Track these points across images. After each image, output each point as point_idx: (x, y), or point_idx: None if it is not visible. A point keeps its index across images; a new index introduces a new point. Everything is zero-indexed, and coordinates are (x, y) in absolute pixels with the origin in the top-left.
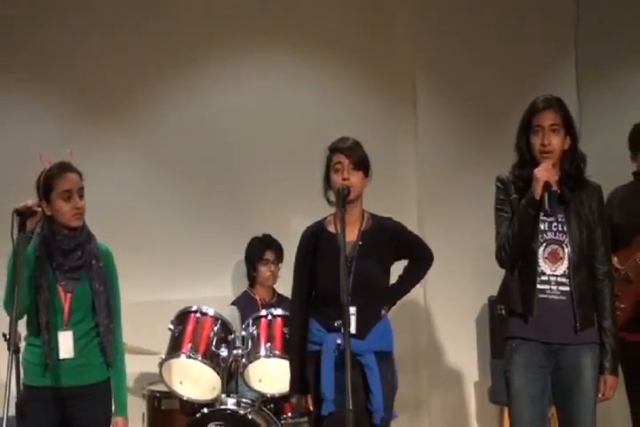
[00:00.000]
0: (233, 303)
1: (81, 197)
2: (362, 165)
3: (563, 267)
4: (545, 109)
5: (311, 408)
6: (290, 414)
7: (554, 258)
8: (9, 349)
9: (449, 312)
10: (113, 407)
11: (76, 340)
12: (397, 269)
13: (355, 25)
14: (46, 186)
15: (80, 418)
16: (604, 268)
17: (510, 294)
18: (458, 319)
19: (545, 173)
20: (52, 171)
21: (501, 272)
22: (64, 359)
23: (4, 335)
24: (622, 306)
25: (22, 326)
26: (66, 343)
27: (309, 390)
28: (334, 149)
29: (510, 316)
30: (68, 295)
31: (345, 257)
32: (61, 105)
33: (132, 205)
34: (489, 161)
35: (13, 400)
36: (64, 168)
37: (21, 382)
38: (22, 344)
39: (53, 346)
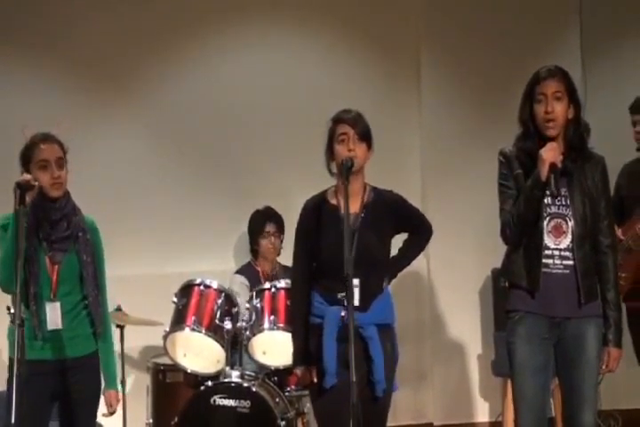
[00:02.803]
0: (237, 272)
1: (60, 166)
2: (366, 136)
3: (566, 241)
4: (548, 78)
5: (315, 380)
6: (293, 387)
7: (557, 232)
8: (13, 322)
9: (452, 285)
10: (102, 380)
11: (65, 312)
12: (397, 242)
13: None
14: (25, 157)
15: (71, 391)
16: (607, 240)
17: (514, 268)
18: (461, 292)
19: (551, 153)
20: (30, 142)
21: (504, 244)
22: (53, 332)
23: (8, 308)
24: (624, 275)
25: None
26: (54, 314)
27: (313, 362)
28: (338, 120)
29: (512, 289)
30: (56, 267)
31: (349, 229)
32: (63, 78)
33: (133, 178)
34: (493, 133)
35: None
36: (41, 138)
37: (10, 356)
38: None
39: (42, 318)
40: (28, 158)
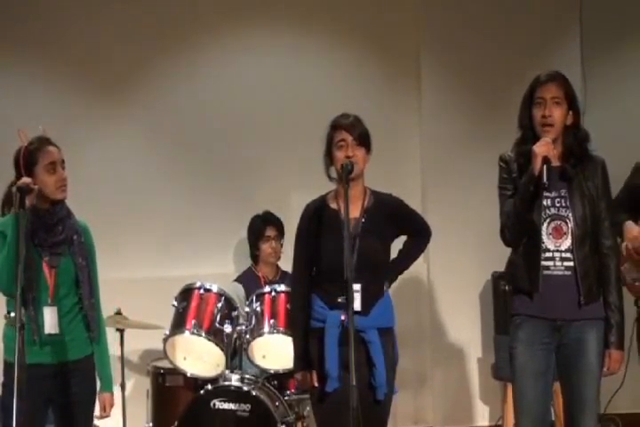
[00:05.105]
0: (236, 280)
1: (63, 169)
2: (364, 140)
3: (567, 242)
4: (548, 82)
5: (316, 385)
6: (293, 391)
7: (557, 233)
8: (12, 325)
9: (452, 288)
10: (98, 383)
11: (62, 316)
12: (396, 244)
13: None
14: (29, 160)
15: (67, 395)
16: (608, 242)
17: (516, 272)
18: (461, 295)
19: (543, 148)
20: (32, 145)
21: (505, 248)
22: (50, 336)
23: (9, 312)
24: None
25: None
26: (51, 319)
27: (313, 366)
28: (336, 126)
29: (515, 293)
30: (53, 271)
31: (349, 234)
32: (62, 79)
33: (133, 181)
34: (493, 134)
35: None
36: (45, 142)
37: (6, 359)
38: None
39: (40, 322)
40: (33, 161)
